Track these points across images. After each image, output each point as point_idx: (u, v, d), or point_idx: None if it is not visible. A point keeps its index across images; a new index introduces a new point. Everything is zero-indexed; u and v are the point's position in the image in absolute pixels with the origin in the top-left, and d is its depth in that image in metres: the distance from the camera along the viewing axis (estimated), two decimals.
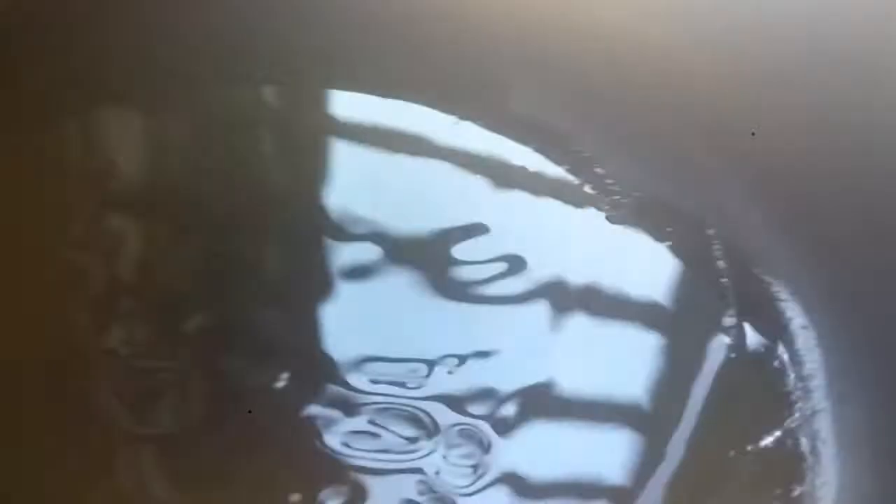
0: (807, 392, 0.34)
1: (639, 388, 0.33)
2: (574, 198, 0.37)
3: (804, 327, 0.35)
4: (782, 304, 0.35)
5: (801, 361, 0.34)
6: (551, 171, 0.37)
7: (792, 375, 0.34)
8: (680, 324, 0.35)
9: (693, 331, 0.35)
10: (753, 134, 0.36)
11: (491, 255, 0.35)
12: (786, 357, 0.34)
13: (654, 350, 0.34)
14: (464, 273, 0.35)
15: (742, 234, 0.37)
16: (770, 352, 0.34)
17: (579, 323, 0.34)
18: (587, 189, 0.37)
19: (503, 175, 0.37)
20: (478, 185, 0.37)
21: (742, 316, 0.35)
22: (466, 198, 0.37)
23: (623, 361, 0.34)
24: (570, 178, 0.37)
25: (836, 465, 0.32)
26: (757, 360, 0.34)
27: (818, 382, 0.34)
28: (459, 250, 0.35)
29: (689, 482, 0.31)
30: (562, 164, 0.38)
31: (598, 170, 0.37)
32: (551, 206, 0.37)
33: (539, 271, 0.35)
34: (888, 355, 0.33)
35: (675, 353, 0.34)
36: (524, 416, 0.31)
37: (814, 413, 0.33)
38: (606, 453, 0.32)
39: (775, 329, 0.35)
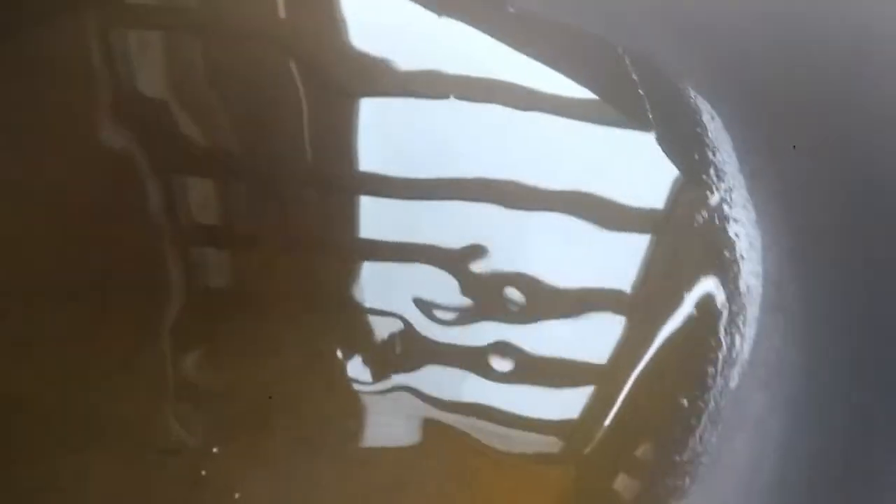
0: (722, 173, 0.38)
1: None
2: None
3: (712, 118, 0.39)
4: (692, 101, 0.39)
5: (714, 148, 0.39)
6: None
7: (709, 159, 0.38)
8: (611, 131, 0.39)
9: (624, 136, 0.39)
10: None
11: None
12: (703, 147, 0.39)
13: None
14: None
15: (647, 48, 0.40)
16: (689, 142, 0.39)
17: None
18: None
19: None
20: None
21: (659, 117, 0.39)
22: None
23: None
24: None
25: (757, 229, 0.37)
26: (679, 151, 0.38)
27: (731, 164, 0.39)
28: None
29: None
30: None
31: None
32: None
33: None
34: (788, 129, 0.37)
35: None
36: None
37: (731, 189, 0.38)
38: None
39: (690, 123, 0.39)
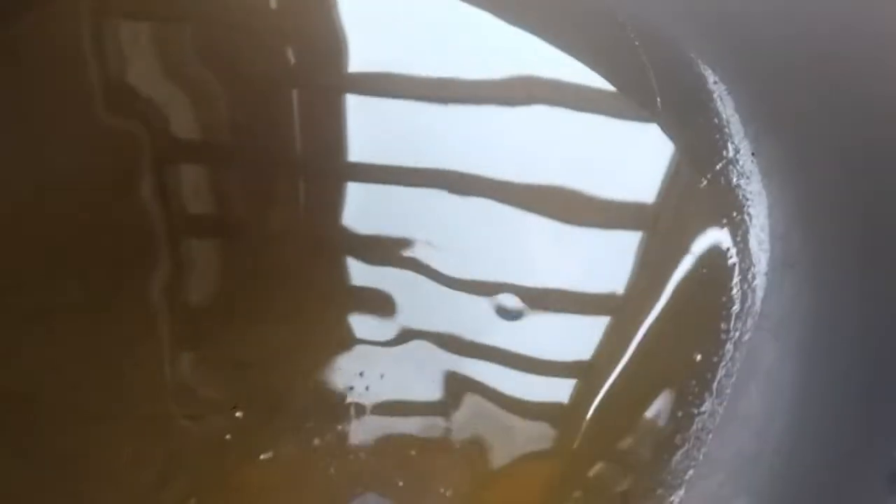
0: (727, 136, 0.39)
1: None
2: None
3: (715, 82, 0.40)
4: (695, 68, 0.40)
5: (718, 112, 0.39)
6: None
7: (714, 123, 0.39)
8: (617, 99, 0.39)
9: (628, 106, 0.39)
10: None
11: None
12: (707, 112, 0.39)
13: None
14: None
15: (650, 16, 0.41)
16: (693, 108, 0.39)
17: None
18: None
19: None
20: None
21: (663, 85, 0.40)
22: None
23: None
24: None
25: (762, 188, 0.38)
26: (682, 120, 0.39)
27: (735, 128, 0.39)
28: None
29: None
30: None
31: None
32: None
33: None
34: (791, 92, 0.38)
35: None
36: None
37: (736, 151, 0.39)
38: None
39: (694, 90, 0.40)
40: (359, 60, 0.39)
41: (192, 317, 0.34)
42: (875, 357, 0.30)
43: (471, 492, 0.31)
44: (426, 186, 0.37)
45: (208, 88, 0.39)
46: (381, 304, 0.34)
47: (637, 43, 0.40)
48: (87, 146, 0.37)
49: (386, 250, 0.35)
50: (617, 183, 0.37)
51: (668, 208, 0.37)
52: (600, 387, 0.33)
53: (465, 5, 0.40)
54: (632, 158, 0.38)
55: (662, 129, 0.39)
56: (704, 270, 0.36)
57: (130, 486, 0.30)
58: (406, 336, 0.34)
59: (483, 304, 0.34)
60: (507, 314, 0.34)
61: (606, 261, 0.36)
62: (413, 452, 0.31)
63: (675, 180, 0.38)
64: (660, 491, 0.31)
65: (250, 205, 0.36)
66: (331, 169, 0.37)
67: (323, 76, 0.40)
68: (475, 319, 0.34)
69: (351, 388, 0.32)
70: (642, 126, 0.39)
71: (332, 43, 0.40)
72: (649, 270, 0.35)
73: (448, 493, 0.30)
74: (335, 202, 0.36)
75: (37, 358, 0.32)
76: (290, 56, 0.40)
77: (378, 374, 0.33)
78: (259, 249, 0.35)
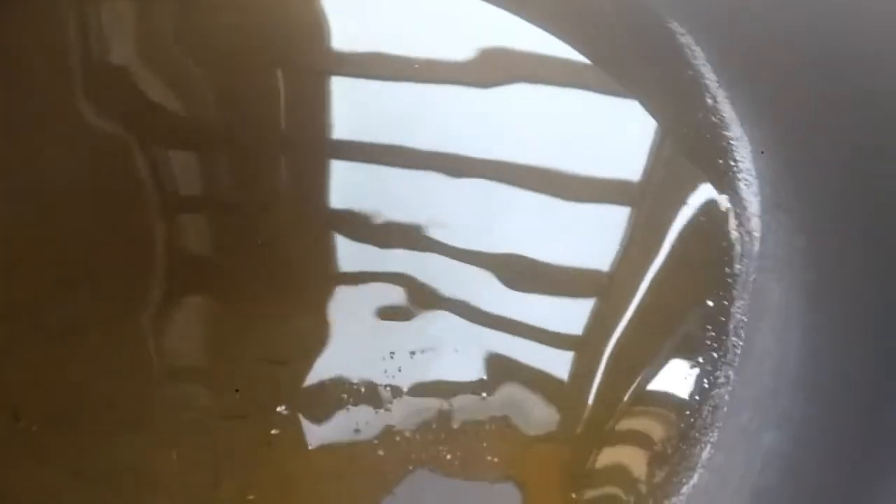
0: (703, 87, 0.40)
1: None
2: None
3: (682, 35, 0.41)
4: (665, 23, 0.41)
5: (692, 65, 0.41)
6: None
7: (689, 75, 0.40)
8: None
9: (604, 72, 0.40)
10: None
11: None
12: (682, 66, 0.40)
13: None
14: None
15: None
16: (668, 65, 0.40)
17: None
18: None
19: None
20: None
21: (637, 45, 0.41)
22: None
23: None
24: None
25: (745, 134, 0.39)
26: (657, 76, 0.40)
27: (710, 77, 0.40)
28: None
29: None
30: None
31: None
32: None
33: None
34: (756, 40, 0.39)
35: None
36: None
37: (714, 100, 0.40)
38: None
39: (667, 47, 0.41)
40: (341, 41, 0.39)
41: (219, 318, 0.34)
42: (880, 285, 0.32)
43: (517, 454, 0.32)
44: (417, 167, 0.37)
45: (192, 72, 0.39)
46: (392, 283, 0.35)
47: (608, 6, 0.41)
48: (78, 144, 0.36)
49: (385, 231, 0.36)
50: (604, 154, 0.38)
51: (657, 167, 0.38)
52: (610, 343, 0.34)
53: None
54: (615, 125, 0.39)
55: (638, 88, 0.40)
56: (702, 219, 0.37)
57: (185, 490, 0.31)
58: (423, 311, 0.34)
59: (489, 276, 0.35)
60: (515, 284, 0.35)
61: (604, 226, 0.37)
62: (454, 425, 0.32)
63: (660, 139, 0.39)
64: (694, 433, 0.32)
65: (251, 191, 0.36)
66: (323, 152, 0.38)
67: (306, 56, 0.40)
68: (485, 289, 0.35)
69: (385, 371, 0.33)
70: (622, 92, 0.40)
71: (314, 23, 0.40)
72: (649, 228, 0.36)
73: (495, 460, 0.31)
74: (334, 187, 0.37)
75: (69, 377, 0.32)
76: (274, 36, 0.40)
77: (407, 352, 0.33)
78: (272, 241, 0.35)
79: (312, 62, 0.39)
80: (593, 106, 0.40)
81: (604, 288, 0.35)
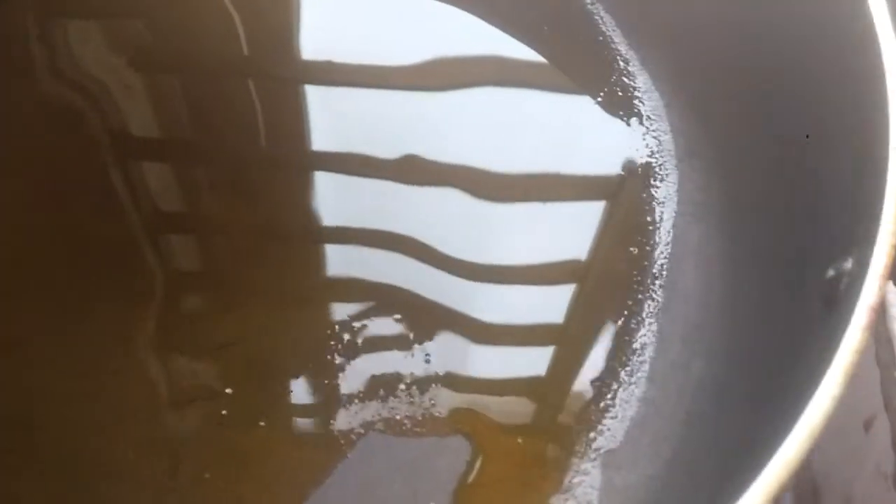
0: (615, 53, 0.42)
1: None
2: None
3: (591, 3, 0.42)
4: None
5: (603, 33, 0.42)
6: None
7: (599, 41, 0.42)
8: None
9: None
10: None
11: None
12: (595, 35, 0.42)
13: None
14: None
15: None
16: (575, 32, 0.42)
17: None
18: None
19: None
20: None
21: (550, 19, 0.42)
22: None
23: None
24: None
25: (655, 90, 0.41)
26: (568, 42, 0.42)
27: (621, 43, 0.42)
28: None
29: None
30: None
31: None
32: None
33: None
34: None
35: None
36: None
37: (626, 62, 0.41)
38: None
39: (573, 14, 0.42)
40: (313, 50, 0.40)
41: (166, 311, 0.34)
42: (788, 218, 0.33)
43: (463, 409, 0.33)
44: (389, 175, 0.38)
45: (165, 88, 0.39)
46: (353, 281, 0.35)
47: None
48: (46, 160, 0.37)
49: (354, 236, 0.36)
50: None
51: (583, 133, 0.40)
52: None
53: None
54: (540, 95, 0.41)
55: (557, 59, 0.41)
56: (623, 173, 0.38)
57: (145, 477, 0.31)
58: (379, 305, 0.35)
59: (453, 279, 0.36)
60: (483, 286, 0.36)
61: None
62: (402, 388, 0.33)
63: (578, 102, 0.40)
64: (628, 369, 0.33)
65: (217, 197, 0.37)
66: (294, 159, 0.38)
67: (277, 65, 0.40)
68: (446, 289, 0.35)
69: (331, 344, 0.34)
70: (540, 62, 0.41)
71: (285, 31, 0.40)
72: (582, 194, 0.38)
73: (443, 415, 0.32)
74: (301, 192, 0.37)
75: (21, 382, 0.32)
76: (244, 46, 0.40)
77: (350, 324, 0.34)
78: (226, 240, 0.36)
79: (283, 70, 0.40)
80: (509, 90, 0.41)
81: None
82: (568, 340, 0.34)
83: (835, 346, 0.22)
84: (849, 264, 0.24)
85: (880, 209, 0.23)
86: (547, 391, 0.33)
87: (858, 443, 0.37)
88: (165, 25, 0.40)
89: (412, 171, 0.38)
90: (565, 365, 0.33)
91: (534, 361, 0.33)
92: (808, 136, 0.28)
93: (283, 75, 0.40)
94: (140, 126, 0.38)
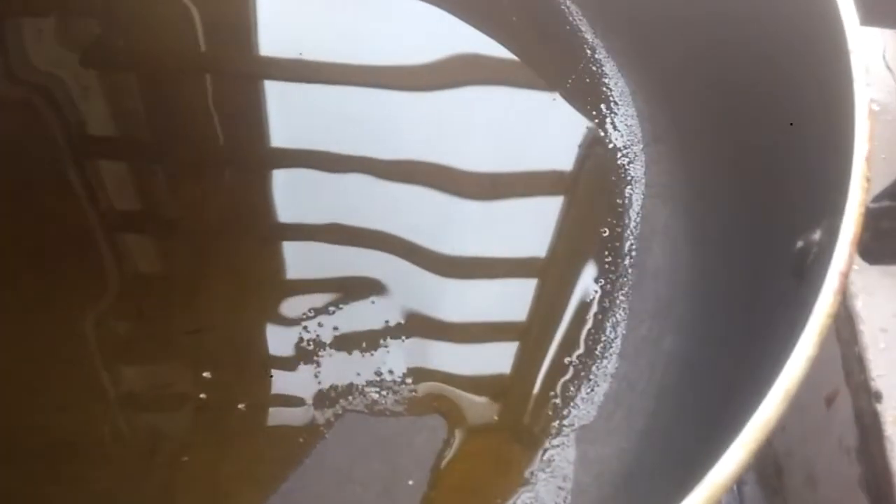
0: (581, 41, 0.42)
1: None
2: None
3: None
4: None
5: (570, 23, 0.42)
6: None
7: (567, 30, 0.41)
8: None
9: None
10: None
11: None
12: (563, 23, 0.42)
13: None
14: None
15: None
16: (545, 23, 0.42)
17: None
18: None
19: None
20: None
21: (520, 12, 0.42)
22: None
23: None
24: None
25: (622, 77, 0.41)
26: (538, 34, 0.41)
27: (587, 31, 0.42)
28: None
29: None
30: None
31: None
32: None
33: None
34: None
35: None
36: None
37: (593, 49, 0.41)
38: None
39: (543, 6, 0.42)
40: (272, 46, 0.39)
41: (132, 302, 0.33)
42: (750, 199, 0.33)
43: (437, 388, 0.32)
44: (350, 171, 0.37)
45: (119, 85, 0.38)
46: (323, 273, 0.35)
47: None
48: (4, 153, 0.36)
49: (317, 231, 0.36)
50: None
51: (550, 118, 0.39)
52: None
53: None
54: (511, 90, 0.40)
55: (525, 50, 0.41)
56: (593, 160, 0.38)
57: (122, 460, 0.30)
58: (351, 294, 0.34)
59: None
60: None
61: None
62: (379, 369, 0.33)
63: (548, 92, 0.40)
64: (599, 347, 0.33)
65: (175, 194, 0.36)
66: (254, 157, 0.38)
67: (238, 62, 0.40)
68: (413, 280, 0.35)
69: (305, 328, 0.33)
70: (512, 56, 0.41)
71: (244, 28, 0.40)
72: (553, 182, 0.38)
73: (418, 395, 0.32)
74: (260, 188, 0.37)
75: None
76: (202, 43, 0.39)
77: (326, 308, 0.34)
78: (185, 237, 0.35)
79: (242, 66, 0.39)
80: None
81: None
82: (540, 320, 0.34)
83: (807, 311, 0.22)
84: (817, 235, 0.24)
85: (847, 180, 0.23)
86: (522, 369, 0.33)
87: (820, 419, 0.37)
88: (120, 21, 0.39)
89: (377, 168, 0.37)
90: (539, 343, 0.33)
91: (508, 338, 0.33)
92: (791, 124, 0.28)
93: (243, 71, 0.39)
94: (96, 124, 0.37)
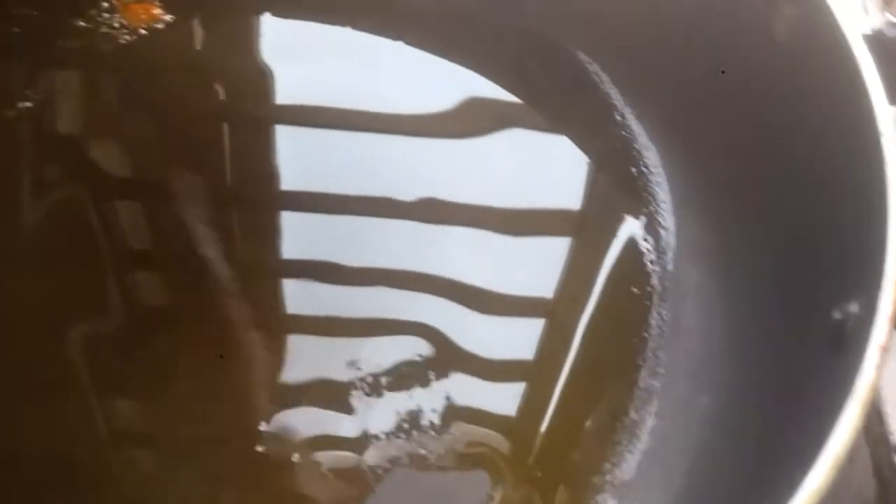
0: (611, 106, 0.43)
1: None
2: None
3: (589, 63, 0.44)
4: (571, 56, 0.44)
5: (598, 88, 0.43)
6: None
7: (597, 97, 0.43)
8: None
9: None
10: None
11: None
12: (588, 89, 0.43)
13: None
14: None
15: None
16: (575, 91, 0.43)
17: None
18: None
19: None
20: None
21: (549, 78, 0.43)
22: None
23: None
24: None
25: (650, 145, 0.42)
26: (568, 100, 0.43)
27: (615, 97, 0.43)
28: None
29: None
30: None
31: None
32: None
33: None
34: (653, 62, 0.42)
35: None
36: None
37: (622, 117, 0.43)
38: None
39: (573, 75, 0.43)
40: (285, 93, 0.41)
41: (191, 354, 0.34)
42: (781, 259, 0.34)
43: (481, 444, 0.33)
44: (359, 214, 0.39)
45: (140, 132, 0.39)
46: (347, 311, 0.36)
47: (524, 49, 0.43)
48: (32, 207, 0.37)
49: (331, 274, 0.37)
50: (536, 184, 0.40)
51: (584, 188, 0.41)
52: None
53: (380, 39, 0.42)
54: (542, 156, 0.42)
55: (555, 116, 0.42)
56: (623, 222, 0.39)
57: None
58: (386, 332, 0.35)
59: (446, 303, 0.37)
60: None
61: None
62: (425, 424, 0.33)
63: (578, 157, 0.41)
64: (636, 406, 0.34)
65: (187, 236, 0.37)
66: (264, 199, 0.39)
67: (252, 110, 0.41)
68: (444, 314, 0.36)
69: (355, 380, 0.34)
70: (545, 123, 0.42)
71: (258, 77, 0.41)
72: (582, 243, 0.39)
73: (464, 451, 0.33)
74: (269, 232, 0.38)
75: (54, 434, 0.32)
76: (219, 92, 0.41)
77: (374, 362, 0.34)
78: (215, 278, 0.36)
79: (258, 113, 0.41)
80: (522, 141, 0.42)
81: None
82: (580, 377, 0.35)
83: (848, 382, 0.22)
84: (854, 308, 0.25)
85: (882, 257, 0.24)
86: (563, 424, 0.33)
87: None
88: (142, 76, 0.41)
89: (426, 210, 0.38)
90: (578, 400, 0.34)
91: (549, 393, 0.34)
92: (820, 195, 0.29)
93: (258, 116, 0.41)
94: (114, 166, 0.39)
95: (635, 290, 0.37)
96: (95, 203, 0.38)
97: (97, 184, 0.38)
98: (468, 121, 0.42)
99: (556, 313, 0.37)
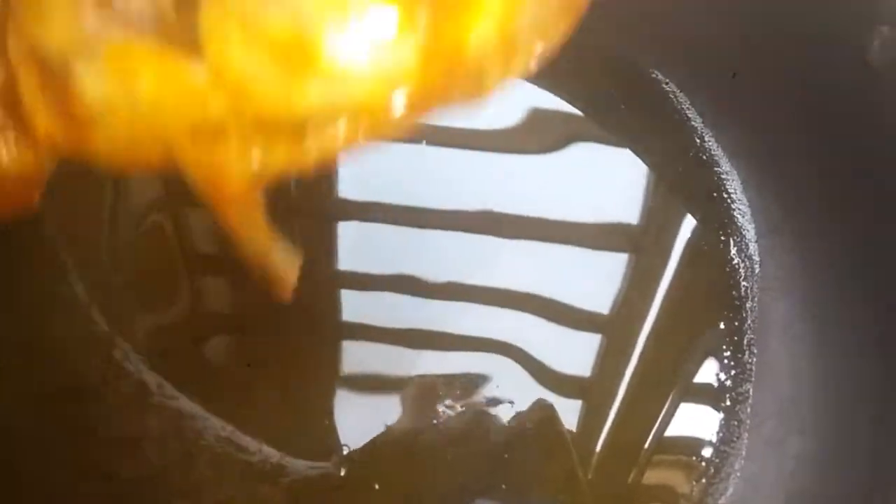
0: (690, 129, 0.42)
1: None
2: None
3: (667, 83, 0.42)
4: (649, 76, 0.42)
5: (677, 110, 0.42)
6: None
7: (675, 119, 0.42)
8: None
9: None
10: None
11: None
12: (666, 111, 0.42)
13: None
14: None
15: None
16: (654, 114, 0.42)
17: None
18: None
19: None
20: None
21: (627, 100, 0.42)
22: None
23: None
24: None
25: (732, 170, 0.40)
26: (647, 123, 0.42)
27: (695, 120, 0.42)
28: None
29: None
30: None
31: None
32: None
33: None
34: (732, 80, 0.40)
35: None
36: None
37: (700, 138, 0.41)
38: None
39: (651, 96, 0.42)
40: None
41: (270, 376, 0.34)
42: (872, 290, 0.33)
43: (562, 478, 0.32)
44: (424, 226, 0.38)
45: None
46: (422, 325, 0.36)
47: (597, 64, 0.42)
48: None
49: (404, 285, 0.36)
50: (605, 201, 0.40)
51: (655, 208, 0.39)
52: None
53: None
54: (614, 174, 0.41)
55: (631, 137, 0.41)
56: (705, 248, 0.38)
57: None
58: (461, 347, 0.35)
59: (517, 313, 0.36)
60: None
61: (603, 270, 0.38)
62: (505, 455, 0.33)
63: (654, 181, 0.40)
64: (724, 447, 0.33)
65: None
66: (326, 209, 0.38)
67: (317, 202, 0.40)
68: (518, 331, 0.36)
69: (439, 402, 0.33)
70: (617, 142, 0.41)
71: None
72: (657, 265, 0.38)
73: (544, 485, 0.32)
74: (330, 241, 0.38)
75: (145, 447, 0.32)
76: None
77: (455, 386, 0.34)
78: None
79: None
80: (592, 157, 0.41)
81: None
82: (666, 415, 0.34)
83: None
84: None
85: None
86: (651, 466, 0.33)
87: None
88: None
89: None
90: (668, 443, 0.33)
91: (639, 438, 0.33)
92: None
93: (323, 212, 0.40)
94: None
95: (721, 325, 0.36)
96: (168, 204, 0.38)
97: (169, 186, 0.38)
98: (540, 136, 0.41)
99: (651, 339, 0.36)
